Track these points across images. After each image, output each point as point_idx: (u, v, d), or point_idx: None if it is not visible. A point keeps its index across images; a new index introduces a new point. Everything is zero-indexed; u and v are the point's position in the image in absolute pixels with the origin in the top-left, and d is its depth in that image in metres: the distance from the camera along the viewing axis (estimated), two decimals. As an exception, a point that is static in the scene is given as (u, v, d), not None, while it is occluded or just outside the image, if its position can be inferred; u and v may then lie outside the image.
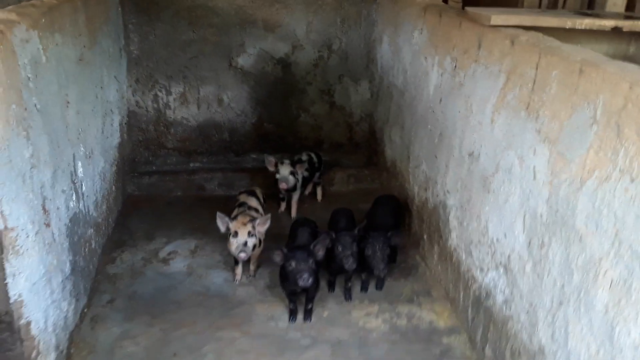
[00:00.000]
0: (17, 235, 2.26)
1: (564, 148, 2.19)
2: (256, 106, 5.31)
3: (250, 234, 3.29)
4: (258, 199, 3.89)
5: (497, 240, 2.78)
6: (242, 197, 3.79)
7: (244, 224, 3.32)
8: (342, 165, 5.30)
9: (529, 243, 2.46)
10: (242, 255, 3.26)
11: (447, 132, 3.39)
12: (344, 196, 4.98)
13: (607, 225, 1.94)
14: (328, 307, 3.39)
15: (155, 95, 5.11)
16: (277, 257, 3.06)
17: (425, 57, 3.79)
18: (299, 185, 4.39)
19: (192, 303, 3.41)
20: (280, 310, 3.36)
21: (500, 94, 2.71)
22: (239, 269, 3.62)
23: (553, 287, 2.28)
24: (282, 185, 4.16)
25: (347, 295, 3.46)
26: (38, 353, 2.47)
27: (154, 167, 5.16)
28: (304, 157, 4.56)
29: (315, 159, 4.66)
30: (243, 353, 3.01)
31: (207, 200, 4.82)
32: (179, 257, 3.91)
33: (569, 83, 2.17)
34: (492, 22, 2.74)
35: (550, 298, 2.30)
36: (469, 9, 3.10)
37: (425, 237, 3.87)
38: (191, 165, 5.24)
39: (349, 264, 3.21)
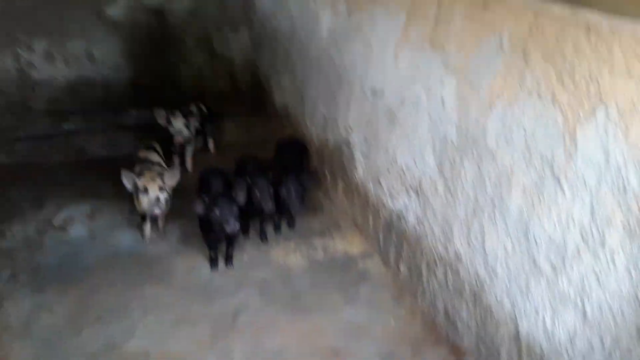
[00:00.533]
0: None
1: (472, 77, 2.45)
2: (131, 60, 5.03)
3: (160, 189, 3.22)
4: (158, 153, 3.77)
5: (407, 167, 3.03)
6: (142, 154, 3.64)
7: (153, 179, 3.22)
8: (228, 115, 5.25)
9: (440, 165, 2.74)
10: (157, 211, 3.18)
11: (346, 74, 3.54)
12: (235, 145, 4.96)
13: (517, 140, 2.23)
14: (247, 251, 3.46)
15: (16, 54, 4.61)
16: (199, 207, 3.05)
17: (315, 2, 3.86)
18: (192, 137, 4.31)
19: (105, 265, 3.29)
20: (199, 261, 3.36)
21: (403, 33, 2.90)
22: (147, 227, 3.52)
23: (467, 201, 2.58)
24: (178, 139, 4.06)
25: (264, 236, 3.55)
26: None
27: (22, 133, 4.70)
28: (193, 109, 4.46)
29: (204, 110, 4.58)
30: (170, 306, 2.99)
31: (91, 162, 4.56)
32: (77, 222, 3.70)
33: (474, 17, 2.41)
34: (391, -37, 2.89)
35: (464, 211, 2.60)
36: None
37: (328, 175, 4.05)
38: (65, 127, 4.86)
39: (268, 207, 3.29)
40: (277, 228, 3.66)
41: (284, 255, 3.45)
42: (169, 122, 4.06)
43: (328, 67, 3.78)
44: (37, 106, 4.83)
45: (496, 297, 2.47)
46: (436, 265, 2.89)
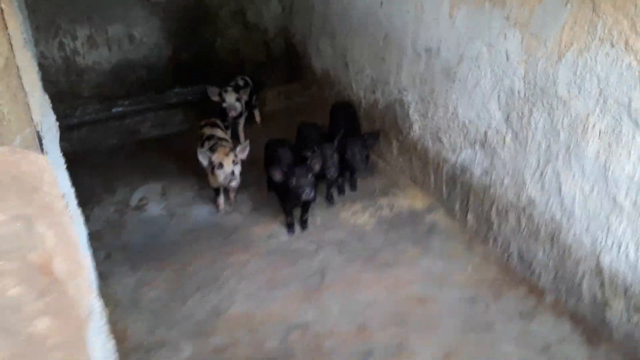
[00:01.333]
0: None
1: (537, 29, 2.55)
2: (170, 38, 5.13)
3: (234, 162, 3.38)
4: (221, 128, 3.92)
5: (470, 122, 3.16)
6: (207, 130, 3.80)
7: (226, 154, 3.38)
8: (266, 85, 5.36)
9: (507, 117, 2.87)
10: (234, 183, 3.36)
11: (395, 34, 3.63)
12: (279, 114, 5.13)
13: (590, 88, 2.36)
14: (317, 214, 3.64)
15: (60, 42, 4.73)
16: (278, 175, 3.22)
17: (355, -36, 3.92)
18: (244, 110, 4.45)
19: (189, 239, 3.49)
20: (276, 227, 3.56)
21: (458, -10, 2.99)
22: (221, 199, 3.72)
23: (538, 149, 2.72)
24: (232, 113, 4.20)
25: (331, 199, 3.73)
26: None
27: (75, 120, 4.87)
28: (241, 82, 4.59)
29: (250, 82, 4.70)
30: (260, 271, 3.20)
31: (146, 142, 4.74)
32: (152, 202, 3.89)
33: (537, -29, 2.49)
34: None
35: (536, 159, 2.75)
36: None
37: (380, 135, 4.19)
38: (115, 111, 5.01)
39: (333, 174, 3.47)
40: (341, 191, 3.83)
41: (353, 215, 3.64)
42: (222, 98, 4.19)
43: (374, 30, 3.86)
44: (85, 93, 4.97)
45: (575, 236, 2.64)
46: (506, 212, 3.05)
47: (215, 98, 4.24)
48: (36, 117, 1.60)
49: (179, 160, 4.35)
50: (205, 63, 5.30)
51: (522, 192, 2.91)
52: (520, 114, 2.78)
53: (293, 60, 5.48)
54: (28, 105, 1.51)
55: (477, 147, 3.17)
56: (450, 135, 3.37)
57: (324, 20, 4.60)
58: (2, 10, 1.44)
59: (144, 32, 4.98)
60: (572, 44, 2.40)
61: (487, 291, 2.96)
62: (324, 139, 3.70)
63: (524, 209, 2.92)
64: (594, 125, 2.39)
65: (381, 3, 3.71)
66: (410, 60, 3.55)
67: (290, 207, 3.43)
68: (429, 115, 3.51)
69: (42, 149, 1.55)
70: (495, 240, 3.21)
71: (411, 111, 3.70)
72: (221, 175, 3.36)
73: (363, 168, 3.55)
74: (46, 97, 2.11)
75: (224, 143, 3.61)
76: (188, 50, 5.21)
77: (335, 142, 3.53)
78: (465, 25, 2.99)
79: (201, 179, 3.95)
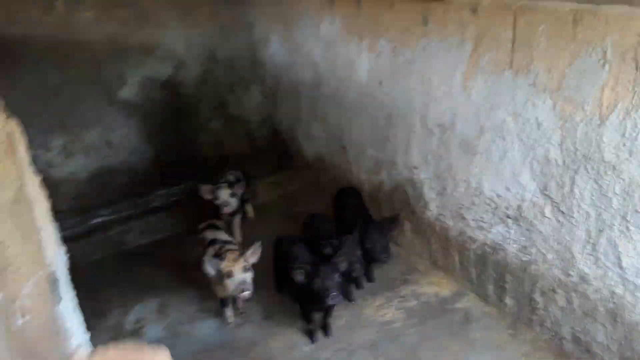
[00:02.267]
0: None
1: (571, 93, 2.39)
2: (150, 139, 4.86)
3: (246, 269, 3.02)
4: (223, 230, 3.58)
5: (498, 196, 2.93)
6: (209, 234, 3.45)
7: (236, 261, 3.03)
8: (254, 176, 5.10)
9: (544, 188, 2.65)
10: (246, 294, 2.97)
11: (400, 112, 3.46)
12: (273, 205, 4.83)
13: (644, 149, 2.16)
14: (339, 315, 3.27)
15: (33, 155, 4.37)
16: (300, 276, 2.87)
17: (346, 46, 3.80)
18: (239, 207, 4.13)
19: (201, 361, 3.05)
20: (295, 337, 3.16)
21: (471, 61, 2.84)
22: (229, 311, 3.32)
23: (586, 219, 2.48)
24: (226, 210, 3.87)
25: (351, 296, 3.38)
26: None
27: (51, 234, 4.44)
28: (231, 177, 4.30)
29: (241, 177, 4.42)
30: (288, 389, 2.78)
31: (135, 253, 4.32)
32: (150, 322, 3.44)
33: (563, 33, 2.36)
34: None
35: (585, 230, 2.50)
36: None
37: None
38: (96, 222, 4.61)
39: (358, 269, 3.19)
40: (359, 285, 3.48)
41: (378, 310, 3.28)
42: (215, 195, 3.88)
43: (374, 110, 3.69)
44: (62, 206, 4.56)
45: (645, 313, 2.36)
46: (554, 291, 2.77)
47: (208, 196, 3.93)
48: (49, 256, 1.26)
49: (175, 269, 3.95)
50: (188, 160, 5.03)
51: (571, 268, 2.64)
52: (560, 184, 2.56)
53: (280, 148, 5.26)
54: (40, 242, 1.18)
55: (510, 223, 2.92)
56: (475, 212, 3.13)
57: (313, 104, 4.44)
58: (9, 134, 1.15)
59: (122, 136, 4.71)
60: (616, 105, 2.23)
61: (550, 385, 2.61)
62: (337, 231, 3.40)
63: (575, 287, 2.64)
64: (655, 189, 2.17)
65: (380, 82, 3.56)
66: (420, 138, 3.35)
67: (310, 311, 3.06)
68: (448, 192, 3.28)
69: (57, 294, 1.21)
70: (542, 323, 2.89)
71: (425, 190, 3.46)
72: (231, 285, 2.99)
73: (385, 258, 3.24)
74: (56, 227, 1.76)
75: (230, 247, 3.27)
76: (170, 150, 4.94)
77: (356, 232, 3.24)
78: (484, 96, 2.83)
79: (203, 289, 3.55)
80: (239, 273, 2.98)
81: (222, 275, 3.00)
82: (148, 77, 4.71)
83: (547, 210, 2.68)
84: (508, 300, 3.09)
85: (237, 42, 5.05)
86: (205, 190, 3.91)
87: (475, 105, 2.90)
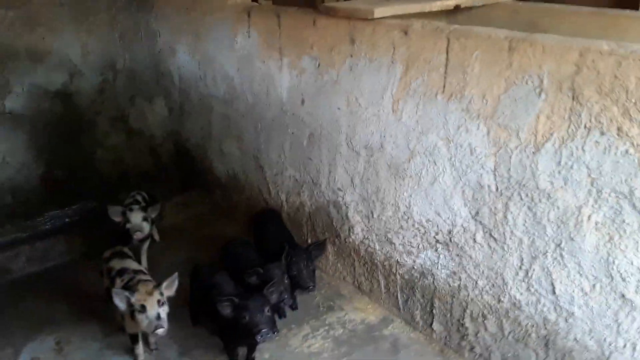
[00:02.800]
0: None
1: (506, 120, 2.38)
2: (39, 154, 4.34)
3: (160, 303, 2.71)
4: (132, 258, 3.23)
5: (428, 220, 2.88)
6: (116, 263, 3.08)
7: (150, 293, 2.71)
8: (158, 196, 4.73)
9: (476, 214, 2.62)
10: (161, 331, 2.67)
11: (324, 132, 3.33)
12: (180, 228, 4.51)
13: (579, 178, 2.19)
14: (262, 347, 3.04)
15: None
16: (227, 309, 2.62)
17: (264, 61, 3.61)
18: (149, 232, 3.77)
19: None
20: (214, 372, 2.90)
21: (402, 84, 2.78)
22: (139, 348, 2.99)
23: (519, 246, 2.48)
24: (137, 236, 3.51)
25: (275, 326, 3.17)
26: None
27: None
28: (139, 198, 3.94)
29: (146, 197, 4.07)
30: None
31: (25, 282, 3.81)
32: (45, 363, 3.02)
33: (499, 60, 2.34)
34: (376, 15, 2.77)
35: (518, 257, 2.51)
36: (334, 4, 3.07)
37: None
38: (-24, 249, 4.02)
39: (287, 300, 3.01)
40: (281, 314, 3.28)
41: (305, 341, 3.11)
42: (125, 218, 3.51)
43: (295, 128, 3.53)
44: None
45: (576, 339, 2.39)
46: (485, 317, 2.75)
47: (118, 218, 3.54)
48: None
49: (73, 301, 3.52)
50: (84, 178, 4.57)
51: (502, 294, 2.63)
52: (493, 210, 2.55)
53: (187, 166, 4.94)
54: None
55: (439, 248, 2.88)
56: (403, 237, 3.06)
57: (226, 120, 4.19)
58: None
59: (8, 150, 4.17)
60: (551, 133, 2.24)
61: (485, 414, 2.57)
62: (258, 258, 3.19)
63: (506, 313, 2.64)
64: (589, 217, 2.21)
65: (302, 101, 3.40)
66: (346, 159, 3.24)
67: (236, 347, 2.82)
68: (375, 216, 3.19)
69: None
70: (472, 349, 2.88)
71: (350, 213, 3.35)
72: (144, 321, 2.67)
73: (312, 286, 3.07)
74: None
75: (142, 277, 2.93)
76: (62, 166, 4.46)
77: (283, 259, 3.04)
78: (415, 119, 2.77)
79: (107, 323, 3.18)
80: (153, 307, 2.67)
81: (134, 310, 2.67)
82: (38, 85, 4.22)
83: (479, 236, 2.65)
84: (436, 326, 3.04)
85: (139, 52, 4.68)
86: (114, 212, 3.52)
87: (405, 128, 2.83)
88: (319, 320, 3.27)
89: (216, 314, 2.73)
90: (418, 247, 3.00)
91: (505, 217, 2.51)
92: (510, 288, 2.58)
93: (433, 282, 2.98)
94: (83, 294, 3.52)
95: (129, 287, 2.80)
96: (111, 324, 3.18)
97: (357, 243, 3.39)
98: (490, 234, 2.59)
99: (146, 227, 3.53)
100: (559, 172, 2.25)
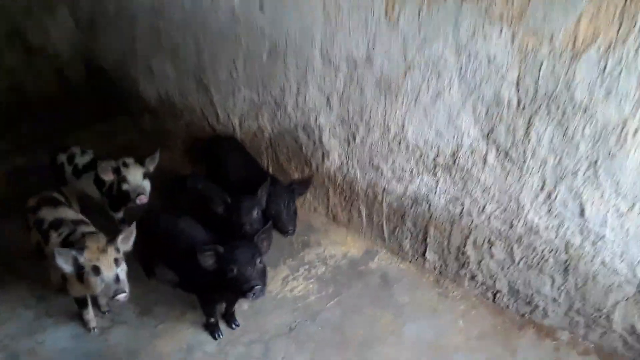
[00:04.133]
0: None
1: (537, 23, 2.03)
2: None
3: (117, 262, 2.18)
4: (68, 205, 2.61)
5: (426, 142, 2.55)
6: (47, 214, 2.44)
7: (103, 250, 2.17)
8: (76, 123, 4.00)
9: (490, 133, 2.32)
10: (122, 296, 2.15)
11: (290, 44, 2.81)
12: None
13: (627, 87, 1.93)
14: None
15: None
16: (210, 260, 2.17)
17: (208, -43, 2.96)
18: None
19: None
20: (191, 334, 2.49)
21: (400, -19, 2.32)
22: (89, 313, 2.49)
23: (542, 167, 2.23)
24: (142, 200, 2.73)
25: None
26: None
27: None
28: (76, 151, 3.16)
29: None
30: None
31: None
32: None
33: (534, -51, 1.96)
34: None
35: (540, 179, 2.26)
36: None
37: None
38: None
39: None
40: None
41: (285, 285, 2.76)
42: (121, 176, 2.77)
43: (251, 40, 2.98)
44: None
45: (604, 262, 2.23)
46: (491, 244, 2.54)
47: (109, 177, 2.81)
48: None
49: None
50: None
51: (516, 218, 2.41)
52: (511, 128, 2.25)
53: (105, 90, 4.19)
54: None
55: (439, 172, 2.58)
56: (394, 162, 2.72)
57: (155, 34, 3.50)
58: None
59: None
60: (595, 38, 1.93)
61: (496, 347, 2.41)
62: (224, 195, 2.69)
63: (519, 238, 2.44)
64: (635, 132, 1.97)
65: (261, 6, 2.83)
66: (320, 75, 2.77)
67: (216, 303, 2.40)
68: (358, 140, 2.80)
69: None
70: (473, 277, 2.68)
71: (325, 137, 2.94)
72: (99, 285, 2.14)
73: (292, 229, 2.65)
74: None
75: (85, 229, 2.36)
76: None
77: (260, 192, 2.59)
78: (415, 26, 2.34)
79: (38, 285, 2.63)
80: (109, 268, 2.14)
81: (84, 273, 2.14)
82: None
83: (491, 157, 2.37)
84: (430, 256, 2.81)
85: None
86: (104, 170, 2.78)
87: (402, 36, 2.40)
88: (296, 259, 2.91)
89: (183, 265, 2.28)
90: (411, 172, 2.68)
91: (526, 135, 2.22)
92: (527, 212, 2.36)
93: (429, 209, 2.70)
94: (4, 253, 2.87)
95: (71, 243, 2.24)
96: (44, 284, 2.63)
97: (332, 171, 3.01)
98: (506, 155, 2.32)
99: (148, 186, 2.83)
100: (602, 82, 1.97)
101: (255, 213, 2.50)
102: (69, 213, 2.50)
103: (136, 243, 2.29)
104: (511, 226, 2.44)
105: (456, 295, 2.69)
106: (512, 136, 2.27)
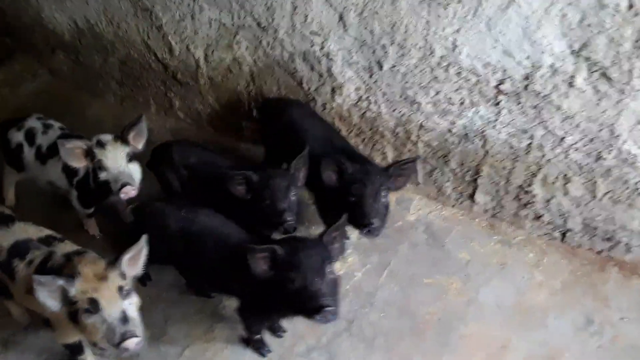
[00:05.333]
0: None
1: None
2: None
3: (123, 292, 1.51)
4: (17, 220, 1.80)
5: (488, 65, 1.99)
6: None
7: (102, 277, 1.48)
8: None
9: (582, 48, 1.80)
10: (134, 342, 1.48)
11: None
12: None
13: None
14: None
15: None
16: (263, 265, 1.59)
17: None
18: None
19: None
20: (231, 354, 1.94)
21: None
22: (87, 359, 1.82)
23: (655, 85, 1.78)
24: (128, 191, 1.93)
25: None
26: None
27: None
28: (35, 124, 2.26)
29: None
30: None
31: None
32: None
33: None
34: None
35: (648, 99, 1.81)
36: None
37: (253, 112, 2.63)
38: None
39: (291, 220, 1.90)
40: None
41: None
42: (96, 162, 1.94)
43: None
44: None
45: None
46: (567, 180, 2.11)
47: (77, 162, 1.96)
48: None
49: None
50: None
51: (606, 149, 1.98)
52: (616, 39, 1.74)
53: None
54: None
55: (502, 102, 2.05)
56: (437, 93, 2.15)
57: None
58: None
59: None
60: None
61: (585, 299, 2.08)
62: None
63: (607, 171, 2.02)
64: None
65: None
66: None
67: (265, 323, 1.83)
68: (385, 69, 2.18)
69: None
70: (538, 217, 2.28)
71: (336, 67, 2.27)
72: (99, 327, 1.47)
73: (376, 224, 1.85)
74: None
75: (65, 249, 1.63)
76: None
77: (297, 164, 1.91)
78: None
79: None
80: (112, 302, 1.48)
81: (76, 310, 1.46)
82: None
83: (580, 79, 1.87)
84: (480, 198, 2.36)
85: None
86: (69, 153, 1.93)
87: None
88: (321, 225, 2.32)
89: (215, 272, 1.71)
90: (462, 103, 2.13)
91: (636, 47, 1.73)
92: (623, 141, 1.93)
93: (483, 145, 2.20)
94: None
95: (54, 271, 1.52)
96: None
97: (345, 109, 2.39)
98: (603, 74, 1.82)
99: (136, 172, 2.01)
100: None
101: (292, 195, 1.86)
102: (30, 230, 1.72)
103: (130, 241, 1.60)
104: (598, 158, 2.01)
105: (519, 241, 2.29)
106: (614, 51, 1.76)
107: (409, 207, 2.44)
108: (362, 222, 1.83)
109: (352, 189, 1.84)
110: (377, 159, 2.45)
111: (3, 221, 1.71)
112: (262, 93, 2.54)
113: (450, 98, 2.14)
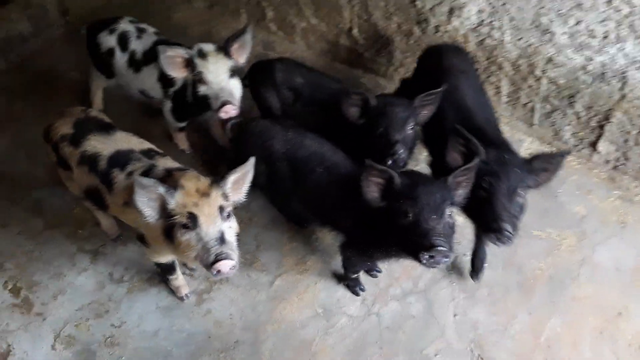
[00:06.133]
0: None
1: None
2: None
3: (224, 213, 1.39)
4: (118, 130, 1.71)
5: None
6: (98, 145, 1.56)
7: (204, 194, 1.38)
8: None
9: None
10: (227, 264, 1.36)
11: None
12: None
13: None
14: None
15: None
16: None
17: None
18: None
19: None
20: (323, 288, 1.85)
21: None
22: (179, 279, 1.77)
23: None
24: (228, 110, 1.78)
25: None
26: None
27: None
28: (130, 28, 2.11)
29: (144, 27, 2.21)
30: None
31: None
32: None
33: None
34: None
35: None
36: None
37: (357, 32, 2.41)
38: None
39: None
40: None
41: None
42: (197, 74, 1.81)
43: None
44: None
45: None
46: None
47: (179, 73, 1.84)
48: None
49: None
50: None
51: None
52: None
53: None
54: None
55: (657, 38, 1.76)
56: (578, 22, 1.87)
57: None
58: None
59: None
60: None
61: None
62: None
63: None
64: None
65: None
66: None
67: (368, 260, 1.71)
68: (518, -6, 1.90)
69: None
70: (667, 171, 2.03)
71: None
72: (193, 243, 1.38)
73: (509, 230, 1.48)
74: None
75: (167, 164, 1.53)
76: None
77: (422, 99, 1.70)
78: None
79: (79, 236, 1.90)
80: (211, 220, 1.38)
81: (173, 225, 1.38)
82: None
83: None
84: (603, 147, 2.12)
85: None
86: (170, 61, 1.81)
87: None
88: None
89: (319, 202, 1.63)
90: (606, 37, 1.86)
91: None
92: None
93: (621, 88, 1.93)
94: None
95: (175, 182, 1.43)
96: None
97: (462, 33, 2.14)
98: None
99: (238, 89, 1.85)
100: None
101: (410, 128, 1.68)
102: (132, 140, 1.62)
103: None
104: None
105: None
106: None
107: (519, 149, 2.21)
108: (491, 226, 1.49)
109: (482, 181, 1.51)
110: (490, 93, 2.22)
111: (104, 128, 1.62)
112: (367, 10, 2.30)
113: (592, 30, 1.86)
